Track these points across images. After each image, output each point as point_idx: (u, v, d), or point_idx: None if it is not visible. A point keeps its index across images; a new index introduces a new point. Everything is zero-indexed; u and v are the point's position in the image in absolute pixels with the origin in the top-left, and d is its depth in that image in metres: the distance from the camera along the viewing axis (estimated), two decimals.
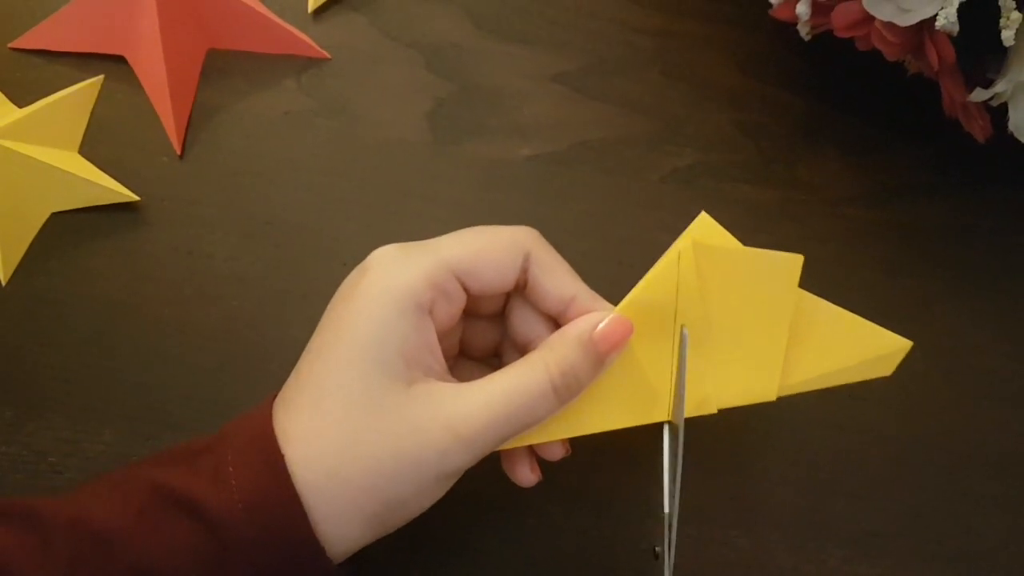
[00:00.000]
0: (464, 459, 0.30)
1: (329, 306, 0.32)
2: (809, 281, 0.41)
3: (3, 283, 0.41)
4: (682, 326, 0.33)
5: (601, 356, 0.32)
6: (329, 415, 0.29)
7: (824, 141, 0.46)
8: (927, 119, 0.45)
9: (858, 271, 0.44)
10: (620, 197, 0.44)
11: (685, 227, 0.43)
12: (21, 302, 0.41)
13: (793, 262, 0.33)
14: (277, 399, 0.31)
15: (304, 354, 0.32)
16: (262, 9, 0.45)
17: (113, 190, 0.42)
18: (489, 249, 0.32)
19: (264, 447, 0.29)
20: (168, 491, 0.29)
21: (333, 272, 0.42)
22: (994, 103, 0.39)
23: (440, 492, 0.31)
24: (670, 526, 0.32)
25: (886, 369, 0.35)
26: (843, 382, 0.35)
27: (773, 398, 0.34)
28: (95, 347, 0.41)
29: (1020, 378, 0.43)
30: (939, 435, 0.42)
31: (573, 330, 0.32)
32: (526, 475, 0.34)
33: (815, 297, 0.34)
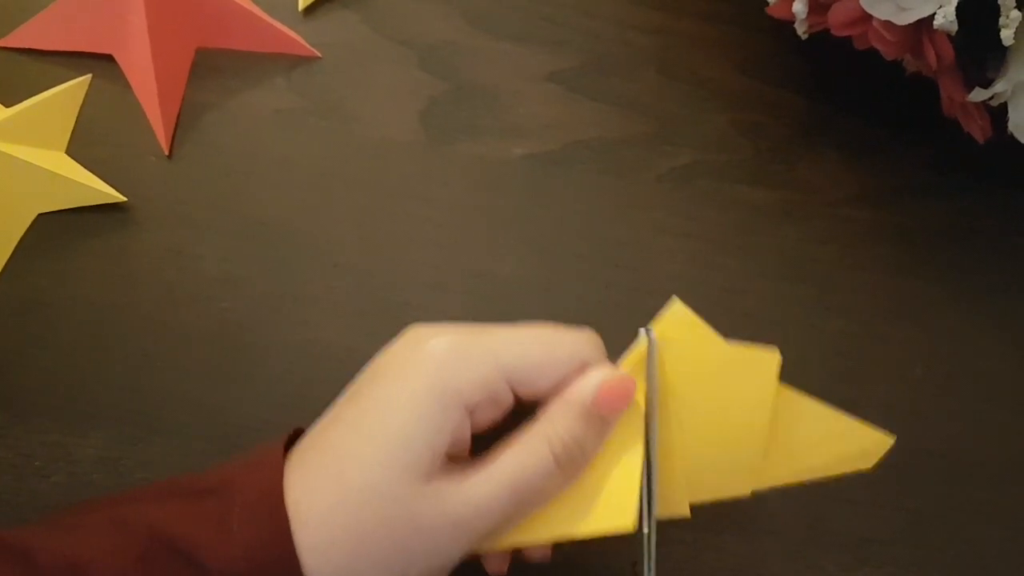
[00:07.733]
0: (470, 548, 0.30)
1: (373, 377, 0.31)
2: (808, 283, 0.41)
3: None
4: (647, 329, 0.31)
5: (605, 420, 0.31)
6: (347, 506, 0.29)
7: (823, 141, 0.46)
8: (927, 119, 0.44)
9: (857, 272, 0.44)
10: (616, 197, 0.44)
11: (682, 228, 0.43)
12: (7, 304, 0.41)
13: (770, 360, 0.32)
14: (296, 454, 0.30)
15: (337, 411, 0.31)
16: (252, 7, 0.44)
17: (101, 191, 0.41)
18: (550, 362, 0.31)
19: (273, 516, 0.29)
20: (168, 539, 0.28)
21: (325, 273, 0.42)
22: (993, 103, 0.38)
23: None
24: (648, 543, 0.32)
25: (866, 463, 0.34)
26: (820, 476, 0.34)
27: (748, 494, 0.33)
28: (83, 349, 0.40)
29: (1022, 383, 0.42)
30: (939, 440, 0.41)
31: (575, 396, 0.31)
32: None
33: (792, 391, 0.33)
